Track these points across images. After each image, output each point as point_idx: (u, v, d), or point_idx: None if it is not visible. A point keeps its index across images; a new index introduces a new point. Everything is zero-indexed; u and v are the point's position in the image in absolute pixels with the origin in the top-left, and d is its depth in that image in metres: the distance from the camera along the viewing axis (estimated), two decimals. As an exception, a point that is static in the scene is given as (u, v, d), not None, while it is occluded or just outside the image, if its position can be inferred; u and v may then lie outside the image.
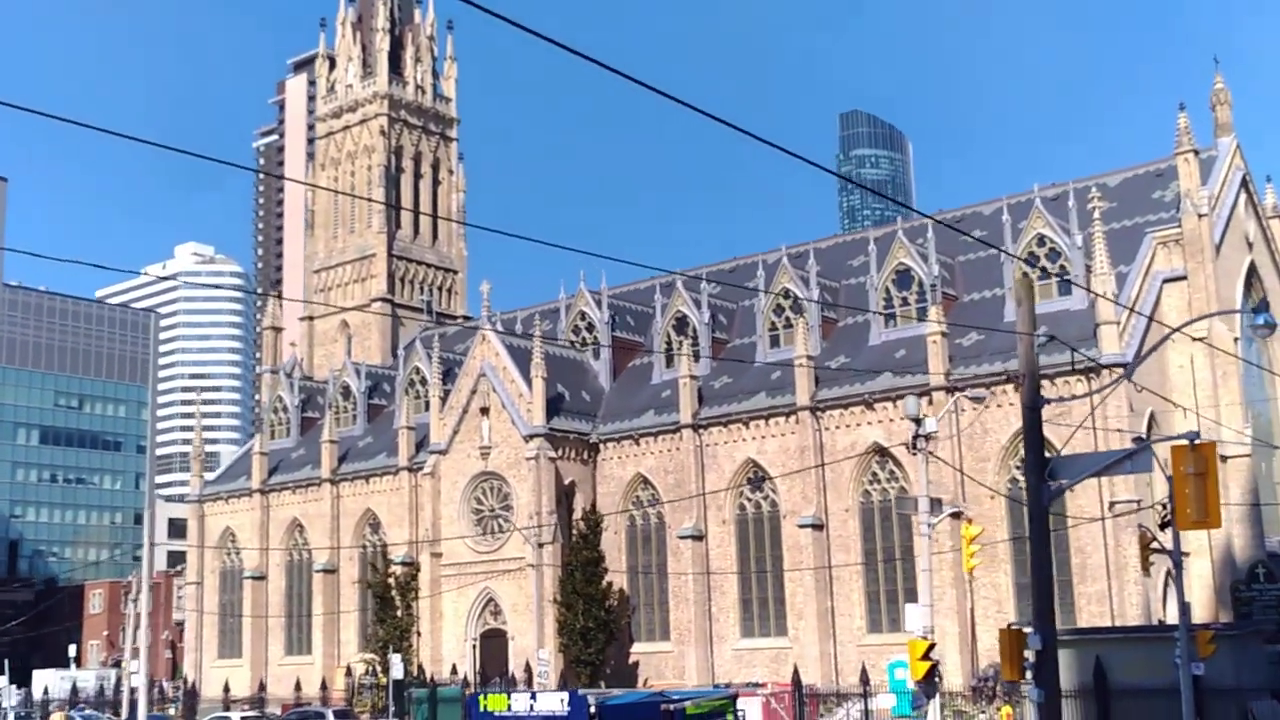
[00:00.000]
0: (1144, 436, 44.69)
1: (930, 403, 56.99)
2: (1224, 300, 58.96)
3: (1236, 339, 59.10)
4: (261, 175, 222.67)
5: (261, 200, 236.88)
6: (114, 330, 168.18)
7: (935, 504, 29.08)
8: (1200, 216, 58.35)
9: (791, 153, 16.42)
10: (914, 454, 28.41)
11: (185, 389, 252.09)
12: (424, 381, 76.15)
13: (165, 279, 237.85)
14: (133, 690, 63.13)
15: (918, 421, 27.14)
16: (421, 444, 73.38)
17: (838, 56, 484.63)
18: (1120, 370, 53.67)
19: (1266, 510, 63.02)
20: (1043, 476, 20.91)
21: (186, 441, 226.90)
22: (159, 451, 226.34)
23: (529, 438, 65.99)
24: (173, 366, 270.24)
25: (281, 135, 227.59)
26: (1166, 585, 52.41)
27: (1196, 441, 20.30)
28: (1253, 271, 63.54)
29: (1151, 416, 55.18)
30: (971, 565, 31.33)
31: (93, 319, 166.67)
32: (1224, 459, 56.36)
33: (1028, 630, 20.52)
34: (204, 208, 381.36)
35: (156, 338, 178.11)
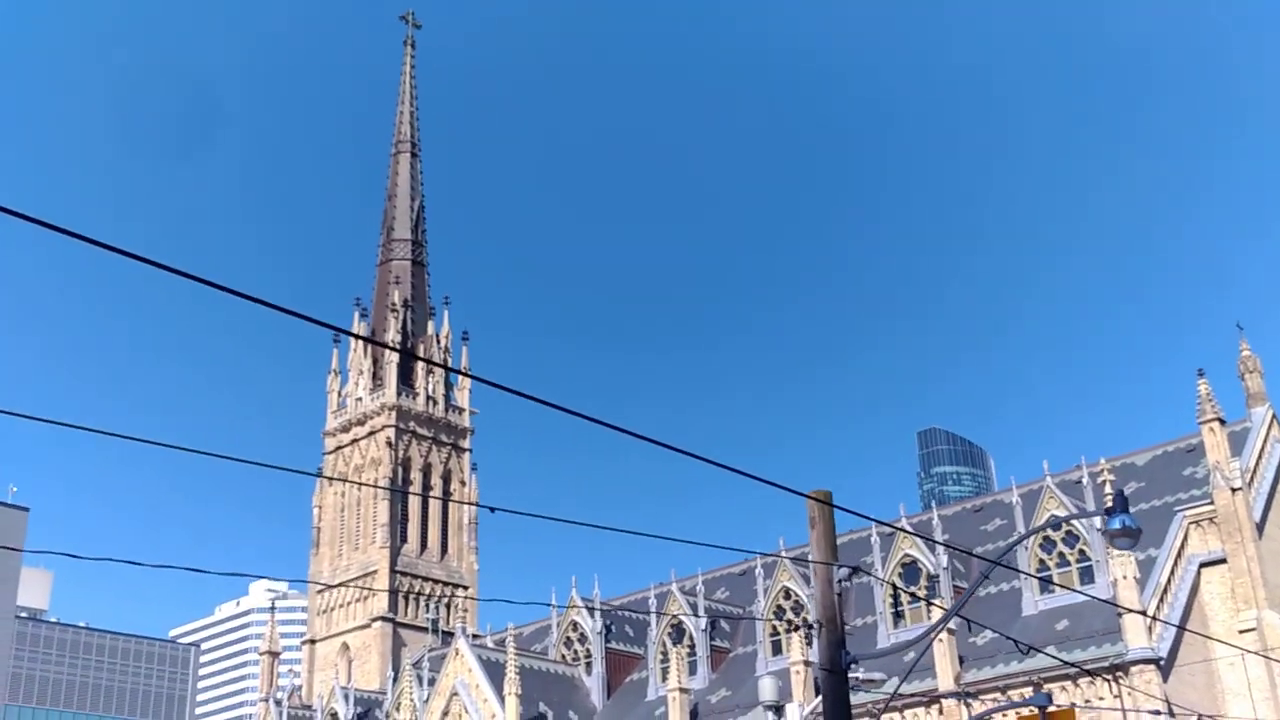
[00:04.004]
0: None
1: (941, 712, 50.17)
2: (1273, 586, 51.59)
3: (1294, 630, 51.34)
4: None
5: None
6: (151, 665, 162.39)
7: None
8: (1234, 490, 51.89)
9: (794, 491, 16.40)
10: (777, 753, 22.12)
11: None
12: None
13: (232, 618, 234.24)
14: None
15: (777, 710, 21.02)
16: (399, 777, 66.19)
17: (910, 374, 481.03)
18: (1153, 666, 46.39)
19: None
20: (851, 765, 14.91)
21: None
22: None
23: (501, 765, 58.83)
24: (242, 706, 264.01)
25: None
26: None
27: (1051, 709, 14.25)
28: (1308, 553, 56.07)
29: (1199, 724, 46.96)
30: None
31: (129, 654, 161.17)
32: (1293, 774, 47.85)
33: None
34: (277, 543, 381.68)
35: (196, 672, 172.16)
